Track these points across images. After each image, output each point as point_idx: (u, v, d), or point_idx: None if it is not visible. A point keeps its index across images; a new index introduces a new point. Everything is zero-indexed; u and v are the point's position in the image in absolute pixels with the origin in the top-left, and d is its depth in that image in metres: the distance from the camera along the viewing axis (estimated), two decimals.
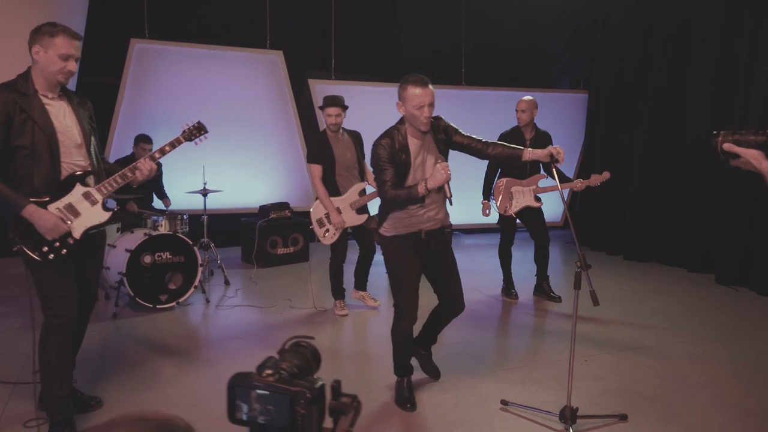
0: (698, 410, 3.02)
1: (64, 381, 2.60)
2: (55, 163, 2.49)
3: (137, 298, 4.40)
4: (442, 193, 2.94)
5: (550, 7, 7.94)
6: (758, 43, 5.58)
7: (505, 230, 5.04)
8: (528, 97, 4.84)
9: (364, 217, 4.49)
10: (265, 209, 6.49)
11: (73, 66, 2.53)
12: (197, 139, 2.98)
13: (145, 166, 2.69)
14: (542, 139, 4.84)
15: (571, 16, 8.11)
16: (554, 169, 2.94)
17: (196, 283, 4.70)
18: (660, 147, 6.79)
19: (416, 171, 2.86)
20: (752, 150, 1.83)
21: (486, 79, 8.18)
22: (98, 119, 2.88)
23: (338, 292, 4.63)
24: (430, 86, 2.77)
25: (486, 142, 2.97)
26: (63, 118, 2.57)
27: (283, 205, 6.59)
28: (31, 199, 2.43)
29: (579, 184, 4.63)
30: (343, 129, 4.45)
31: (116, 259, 4.47)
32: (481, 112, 7.89)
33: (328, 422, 0.88)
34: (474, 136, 2.98)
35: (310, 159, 4.42)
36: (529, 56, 8.67)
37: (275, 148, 7.38)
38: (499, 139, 4.70)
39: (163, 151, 2.81)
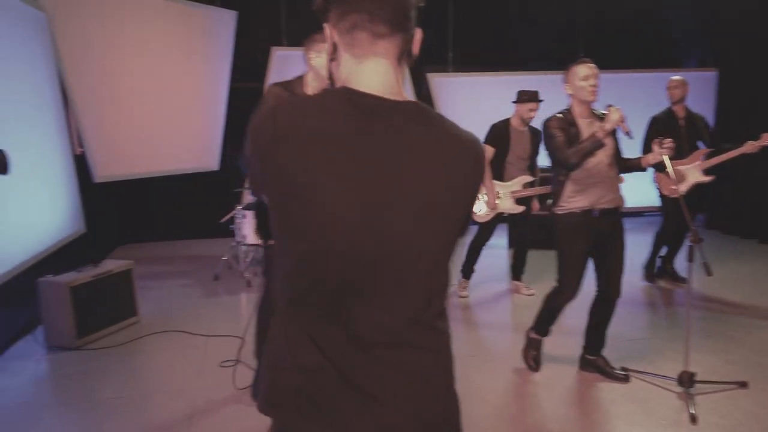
0: None
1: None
2: None
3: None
4: (614, 172, 3.11)
5: None
6: None
7: (669, 214, 4.91)
8: (677, 76, 4.87)
9: (521, 208, 4.57)
10: None
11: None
12: None
13: None
14: (698, 122, 4.82)
15: None
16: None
17: None
18: None
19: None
20: None
21: (606, 61, 8.08)
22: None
23: (467, 272, 4.87)
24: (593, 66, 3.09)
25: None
26: None
27: None
28: None
29: (750, 147, 4.30)
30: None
31: None
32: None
33: None
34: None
35: (485, 140, 4.61)
36: (652, 34, 8.42)
37: None
38: (651, 123, 4.83)
39: None
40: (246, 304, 4.74)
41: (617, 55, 8.21)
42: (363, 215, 0.99)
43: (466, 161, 1.07)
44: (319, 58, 2.73)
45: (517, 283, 4.96)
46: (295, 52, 7.39)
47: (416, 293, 1.05)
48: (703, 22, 8.18)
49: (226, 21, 7.13)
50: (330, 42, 1.06)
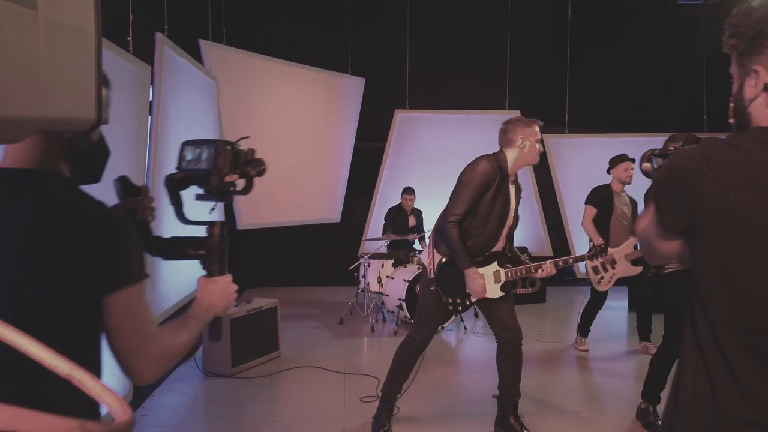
0: None
1: (398, 383, 3.32)
2: (497, 233, 3.01)
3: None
4: None
5: None
6: None
7: None
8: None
9: (639, 269, 4.56)
10: None
11: (541, 147, 3.09)
12: (596, 259, 3.35)
13: (547, 269, 3.08)
14: None
15: None
16: None
17: None
18: None
19: None
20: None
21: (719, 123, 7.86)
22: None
23: (584, 331, 5.01)
24: None
25: None
26: (512, 199, 3.11)
27: (521, 250, 7.16)
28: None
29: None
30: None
31: (395, 288, 5.51)
32: None
33: None
34: None
35: (588, 200, 4.88)
36: None
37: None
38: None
39: (566, 262, 3.21)
40: (369, 347, 5.01)
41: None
42: None
43: None
44: (527, 141, 3.02)
45: (647, 344, 4.87)
46: (416, 115, 7.94)
47: None
48: None
49: (356, 86, 7.80)
50: (762, 82, 1.03)
